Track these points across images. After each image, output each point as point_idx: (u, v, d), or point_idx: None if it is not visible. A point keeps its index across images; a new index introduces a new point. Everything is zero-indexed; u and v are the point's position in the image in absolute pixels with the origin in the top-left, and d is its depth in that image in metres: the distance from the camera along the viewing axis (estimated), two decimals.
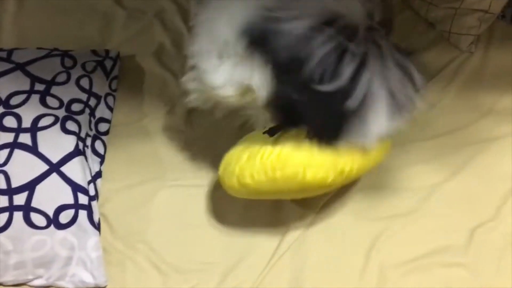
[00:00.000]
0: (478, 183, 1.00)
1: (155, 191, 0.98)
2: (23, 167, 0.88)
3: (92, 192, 0.92)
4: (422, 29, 1.22)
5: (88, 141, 0.98)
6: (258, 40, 0.76)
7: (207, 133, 1.04)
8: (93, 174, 0.95)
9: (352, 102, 0.76)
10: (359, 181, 1.00)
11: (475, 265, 0.92)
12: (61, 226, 0.87)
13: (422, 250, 0.93)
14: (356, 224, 0.97)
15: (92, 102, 1.01)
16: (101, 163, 1.00)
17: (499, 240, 0.94)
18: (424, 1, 1.21)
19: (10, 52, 1.04)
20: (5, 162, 0.88)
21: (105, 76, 1.06)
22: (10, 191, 0.86)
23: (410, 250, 0.93)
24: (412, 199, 0.99)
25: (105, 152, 1.01)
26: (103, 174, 0.99)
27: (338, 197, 0.99)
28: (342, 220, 0.97)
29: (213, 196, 0.98)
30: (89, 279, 0.88)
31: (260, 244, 0.94)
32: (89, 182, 0.92)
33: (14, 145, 0.89)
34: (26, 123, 0.91)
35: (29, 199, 0.86)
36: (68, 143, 0.91)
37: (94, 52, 1.08)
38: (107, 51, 1.10)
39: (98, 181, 0.97)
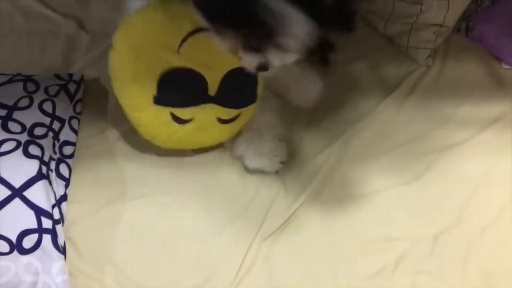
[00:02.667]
0: (438, 189, 1.03)
1: (121, 211, 0.98)
2: None
3: (56, 215, 0.92)
4: (381, 44, 1.26)
5: (52, 165, 0.97)
6: None
7: (171, 151, 1.05)
8: (57, 197, 0.95)
9: None
10: (323, 192, 1.02)
11: (439, 271, 0.93)
12: (24, 251, 0.86)
13: (386, 258, 0.94)
14: (321, 234, 0.98)
15: (56, 125, 1.01)
16: (66, 186, 0.99)
17: (463, 246, 0.96)
18: (382, 17, 1.25)
19: None
20: None
21: (69, 99, 1.06)
22: None
23: (374, 258, 0.94)
24: (374, 208, 1.00)
25: (70, 175, 1.01)
26: (68, 197, 0.98)
27: (304, 208, 1.00)
28: (308, 231, 0.98)
29: (178, 213, 0.98)
30: None
31: (227, 259, 0.94)
32: (53, 206, 0.91)
33: None
34: None
35: None
36: (31, 167, 0.91)
37: (57, 76, 1.09)
38: (70, 75, 1.10)
39: (63, 204, 0.96)
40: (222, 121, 0.98)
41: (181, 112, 0.95)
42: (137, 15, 0.94)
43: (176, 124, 0.96)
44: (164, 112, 0.95)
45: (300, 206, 1.00)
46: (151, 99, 0.94)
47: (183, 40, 0.91)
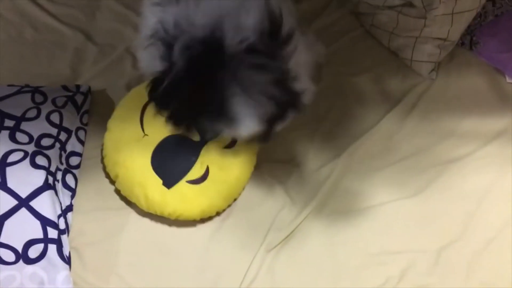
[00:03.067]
0: (442, 203, 1.03)
1: (126, 221, 0.99)
2: None
3: (62, 226, 0.93)
4: (385, 58, 1.27)
5: (59, 175, 0.98)
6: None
7: None
8: (63, 207, 0.96)
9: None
10: (327, 205, 1.02)
11: (442, 285, 0.94)
12: (30, 261, 0.87)
13: (389, 271, 0.94)
14: (325, 247, 0.98)
15: (63, 136, 1.02)
16: (72, 196, 1.00)
17: (466, 260, 0.97)
18: (386, 31, 1.26)
19: None
20: None
21: (76, 110, 1.08)
22: None
23: (378, 272, 0.95)
24: (377, 221, 1.01)
25: (76, 185, 1.02)
26: (74, 207, 1.00)
27: (308, 220, 1.01)
28: (312, 243, 0.99)
29: (182, 222, 0.99)
30: None
31: (230, 270, 0.95)
32: (59, 216, 0.92)
33: None
34: None
35: None
36: (37, 177, 0.92)
37: (64, 87, 1.10)
38: (78, 86, 1.12)
39: (69, 214, 0.97)
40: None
41: None
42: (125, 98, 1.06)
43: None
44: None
45: (303, 219, 1.01)
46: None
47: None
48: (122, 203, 1.01)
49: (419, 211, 1.03)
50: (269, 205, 1.03)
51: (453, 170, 1.08)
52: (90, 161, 1.06)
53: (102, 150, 1.04)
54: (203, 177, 0.98)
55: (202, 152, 0.99)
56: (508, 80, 1.22)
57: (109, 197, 1.02)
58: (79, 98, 1.09)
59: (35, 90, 1.05)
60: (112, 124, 1.03)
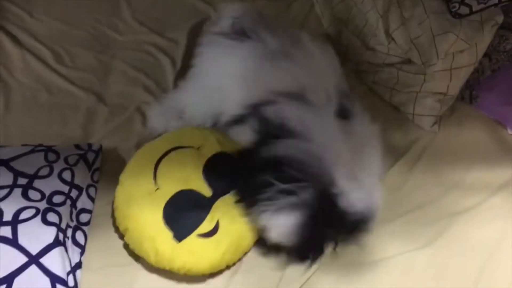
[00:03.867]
0: (452, 255, 1.03)
1: (135, 278, 0.99)
2: (2, 260, 0.88)
3: (71, 283, 0.92)
4: (387, 112, 1.30)
5: (69, 232, 0.99)
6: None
7: None
8: (73, 265, 0.96)
9: None
10: (338, 257, 1.02)
11: None
12: None
13: None
14: None
15: (74, 193, 1.04)
16: (82, 253, 1.00)
17: None
18: (387, 87, 1.30)
19: None
20: None
21: (88, 168, 1.10)
22: None
23: None
24: (388, 274, 1.00)
25: (85, 242, 1.03)
26: (83, 264, 1.00)
27: (318, 274, 1.00)
28: None
29: (191, 277, 0.98)
30: None
31: None
32: (68, 273, 0.92)
33: None
34: (7, 217, 0.93)
35: None
36: (48, 234, 0.93)
37: (77, 146, 1.13)
38: (89, 145, 1.15)
39: (78, 272, 0.97)
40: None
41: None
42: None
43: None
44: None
45: (314, 272, 1.00)
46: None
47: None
48: (131, 259, 1.01)
49: (430, 263, 1.02)
50: (277, 259, 1.02)
51: (461, 221, 1.08)
52: (100, 218, 1.08)
53: (112, 203, 1.05)
54: (214, 230, 0.98)
55: (213, 207, 1.00)
56: (509, 131, 1.25)
57: (118, 254, 1.02)
58: (90, 156, 1.12)
59: (48, 149, 1.08)
60: (124, 177, 1.05)
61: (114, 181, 1.10)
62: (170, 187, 1.01)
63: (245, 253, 1.02)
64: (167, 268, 0.96)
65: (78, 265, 0.98)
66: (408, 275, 1.00)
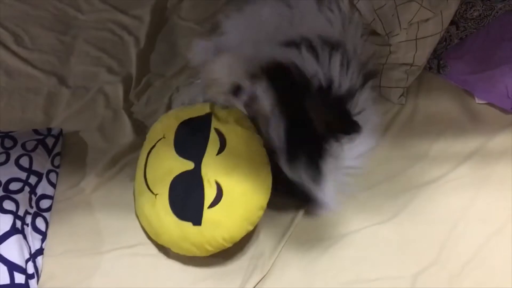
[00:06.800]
0: (416, 227, 1.02)
1: (99, 264, 0.98)
2: None
3: (30, 270, 0.92)
4: None
5: (28, 219, 0.98)
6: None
7: None
8: (33, 251, 0.95)
9: None
10: (301, 235, 1.02)
11: None
12: None
13: None
14: (302, 279, 0.97)
15: (33, 180, 1.02)
16: (43, 240, 0.99)
17: (443, 285, 0.95)
18: None
19: None
20: None
21: (47, 153, 1.08)
22: None
23: None
24: (352, 248, 1.00)
25: (47, 228, 1.01)
26: (45, 251, 0.99)
27: (283, 253, 1.00)
28: (288, 277, 0.97)
29: (156, 264, 0.98)
30: None
31: None
32: (27, 260, 0.92)
33: None
34: None
35: None
36: (4, 222, 0.92)
37: (35, 131, 1.11)
38: (49, 129, 1.12)
39: (39, 258, 0.96)
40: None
41: None
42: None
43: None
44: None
45: (279, 253, 1.00)
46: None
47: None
48: (94, 245, 1.00)
49: (394, 236, 1.02)
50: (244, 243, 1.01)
51: (426, 193, 1.08)
52: (62, 203, 1.06)
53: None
54: (219, 192, 0.95)
55: (202, 174, 0.97)
56: (477, 101, 1.24)
57: (80, 239, 1.01)
58: (50, 141, 1.10)
59: (5, 136, 1.06)
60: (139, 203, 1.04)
61: (76, 165, 1.09)
62: (163, 187, 0.98)
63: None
64: (216, 250, 0.95)
65: (40, 252, 0.97)
66: (371, 249, 1.00)
